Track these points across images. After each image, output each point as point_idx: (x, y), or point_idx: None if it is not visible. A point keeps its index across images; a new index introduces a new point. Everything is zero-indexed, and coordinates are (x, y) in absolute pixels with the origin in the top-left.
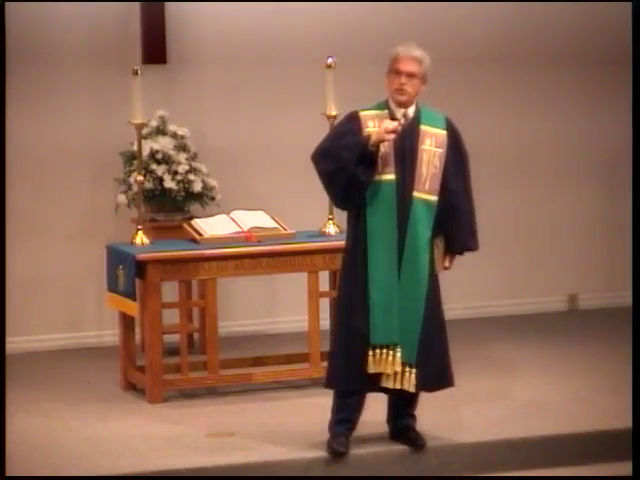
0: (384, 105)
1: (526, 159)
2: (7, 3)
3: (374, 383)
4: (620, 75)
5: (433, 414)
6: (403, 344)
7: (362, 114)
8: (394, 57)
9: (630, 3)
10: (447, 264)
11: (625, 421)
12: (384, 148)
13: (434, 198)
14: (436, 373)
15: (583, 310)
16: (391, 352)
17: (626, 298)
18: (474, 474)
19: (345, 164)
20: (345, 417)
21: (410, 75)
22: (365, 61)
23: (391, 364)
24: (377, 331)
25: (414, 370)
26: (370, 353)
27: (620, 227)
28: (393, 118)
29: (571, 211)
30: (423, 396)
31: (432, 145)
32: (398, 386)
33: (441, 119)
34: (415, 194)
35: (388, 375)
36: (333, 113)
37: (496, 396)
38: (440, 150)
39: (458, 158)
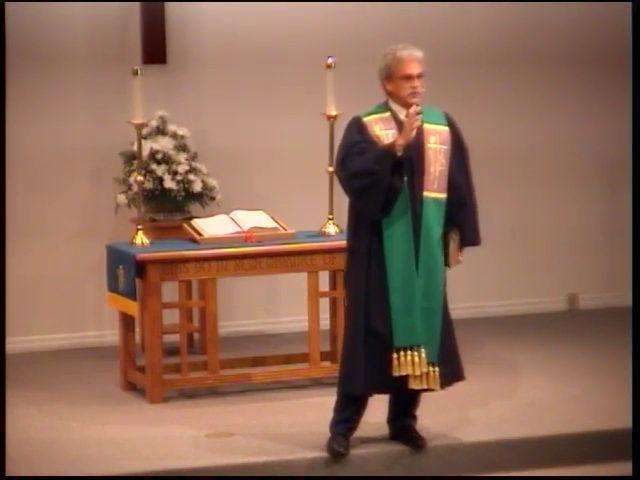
0: (384, 107)
1: (526, 159)
2: (7, 3)
3: (395, 385)
4: (620, 75)
5: (433, 414)
6: (426, 344)
7: (366, 120)
8: (399, 62)
9: (630, 3)
10: (461, 258)
11: (625, 421)
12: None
13: (443, 196)
14: (452, 368)
15: (583, 310)
16: (416, 353)
17: (626, 298)
18: (474, 474)
19: (380, 176)
20: (347, 417)
21: (420, 76)
22: (365, 61)
23: (418, 365)
24: (400, 334)
25: (437, 368)
26: (394, 356)
27: (620, 227)
28: (398, 120)
29: (571, 211)
30: (424, 396)
31: (437, 142)
32: (425, 386)
33: (441, 115)
34: (426, 194)
35: (415, 376)
36: (333, 113)
37: (496, 396)
38: (445, 147)
39: (460, 153)
